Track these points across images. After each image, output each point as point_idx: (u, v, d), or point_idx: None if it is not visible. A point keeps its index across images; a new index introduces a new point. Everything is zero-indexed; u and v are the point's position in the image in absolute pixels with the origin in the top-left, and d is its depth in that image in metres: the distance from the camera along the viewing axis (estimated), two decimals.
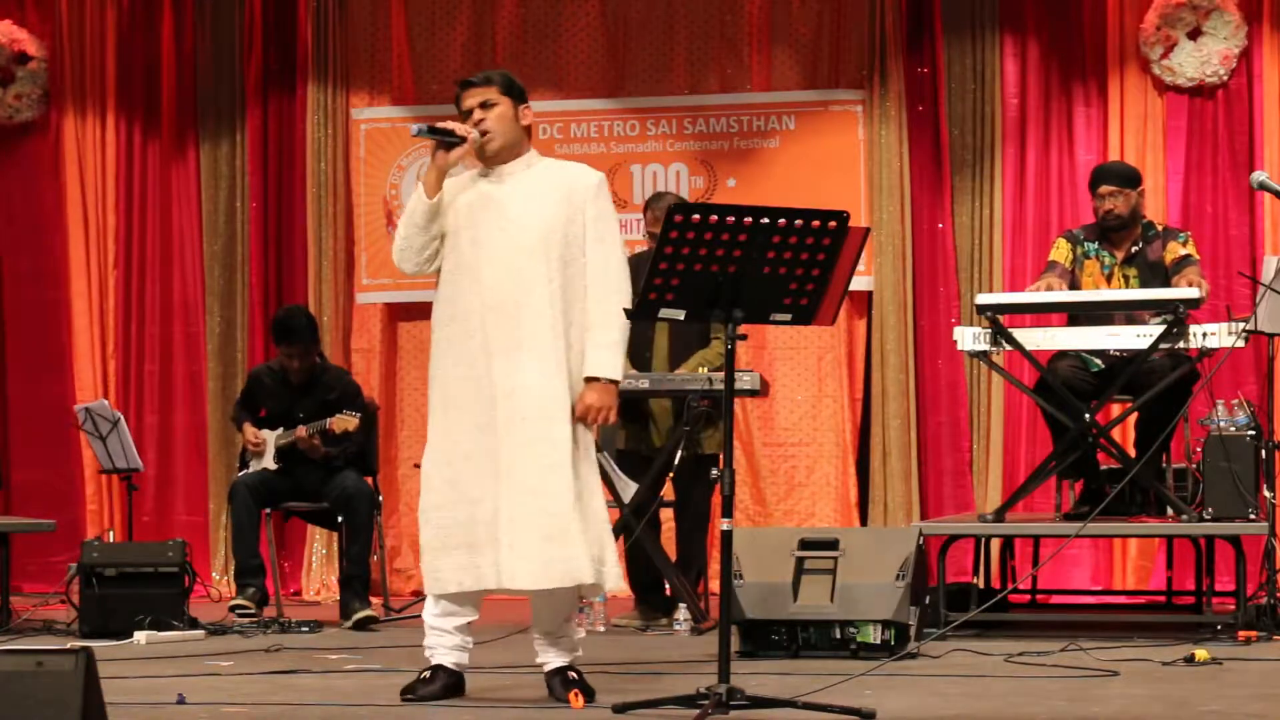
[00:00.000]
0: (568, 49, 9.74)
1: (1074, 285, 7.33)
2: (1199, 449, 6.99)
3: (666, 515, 7.76)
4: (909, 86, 9.33)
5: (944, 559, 6.86)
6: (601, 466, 7.41)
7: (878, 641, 6.19)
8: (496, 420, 5.00)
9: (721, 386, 6.09)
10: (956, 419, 9.23)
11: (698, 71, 9.63)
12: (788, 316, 4.89)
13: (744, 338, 4.92)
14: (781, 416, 9.45)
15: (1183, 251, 7.26)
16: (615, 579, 5.12)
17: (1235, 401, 6.99)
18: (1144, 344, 6.84)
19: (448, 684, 5.16)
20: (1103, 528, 7.12)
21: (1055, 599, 8.32)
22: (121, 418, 8.76)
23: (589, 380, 5.06)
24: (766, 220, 4.70)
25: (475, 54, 9.78)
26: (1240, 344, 6.85)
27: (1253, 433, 6.86)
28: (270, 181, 9.99)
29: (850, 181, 9.37)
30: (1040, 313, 7.62)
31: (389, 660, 6.23)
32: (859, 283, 9.20)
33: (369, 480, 8.25)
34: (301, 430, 7.95)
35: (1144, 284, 7.23)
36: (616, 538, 7.40)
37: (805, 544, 6.37)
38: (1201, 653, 5.91)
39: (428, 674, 5.18)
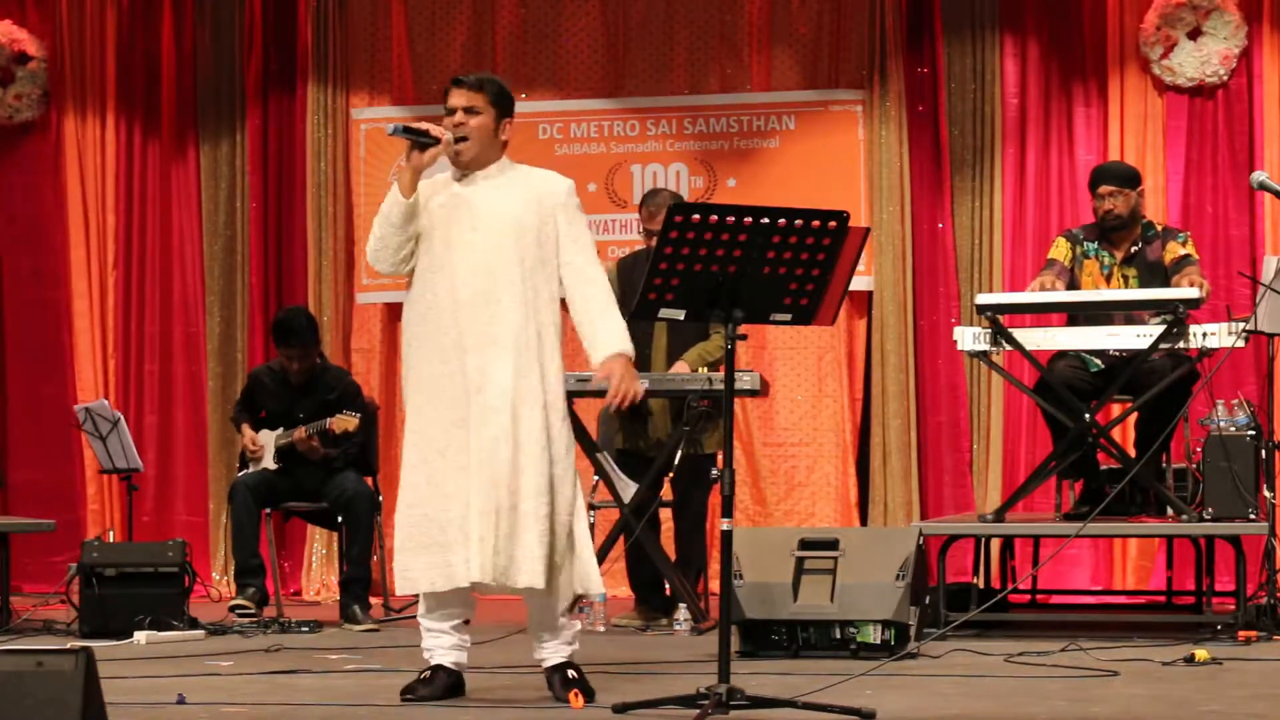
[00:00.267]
0: (568, 49, 9.74)
1: (1073, 285, 7.33)
2: (1199, 449, 6.99)
3: (666, 515, 7.76)
4: (909, 86, 9.32)
5: (944, 559, 6.86)
6: (601, 466, 7.42)
7: (878, 641, 6.19)
8: (470, 416, 5.01)
9: (721, 386, 6.09)
10: (956, 419, 9.23)
11: (698, 71, 9.63)
12: (788, 316, 4.89)
13: (744, 338, 4.92)
14: (781, 416, 9.45)
15: (1182, 251, 7.26)
16: (579, 584, 5.05)
17: (1235, 401, 6.99)
18: (1144, 344, 6.84)
19: (448, 684, 5.17)
20: (1103, 528, 7.12)
21: (1055, 599, 8.32)
22: (121, 418, 8.76)
23: (614, 357, 5.06)
24: (766, 220, 4.71)
25: (475, 54, 9.78)
26: (1240, 344, 6.85)
27: (1253, 433, 6.86)
28: (270, 181, 9.99)
29: (850, 181, 9.36)
30: (1040, 313, 7.62)
31: (389, 660, 6.23)
32: (859, 283, 9.20)
33: (369, 480, 8.25)
34: (301, 431, 7.95)
35: (1143, 284, 7.23)
36: (616, 538, 7.45)
37: (805, 544, 6.37)
38: (1201, 653, 5.91)
39: (427, 674, 5.18)
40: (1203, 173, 9.00)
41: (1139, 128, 9.06)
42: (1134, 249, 7.34)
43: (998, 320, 6.95)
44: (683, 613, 7.19)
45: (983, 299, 7.06)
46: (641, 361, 7.54)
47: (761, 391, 7.35)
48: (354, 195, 9.85)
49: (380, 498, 8.35)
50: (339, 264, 9.76)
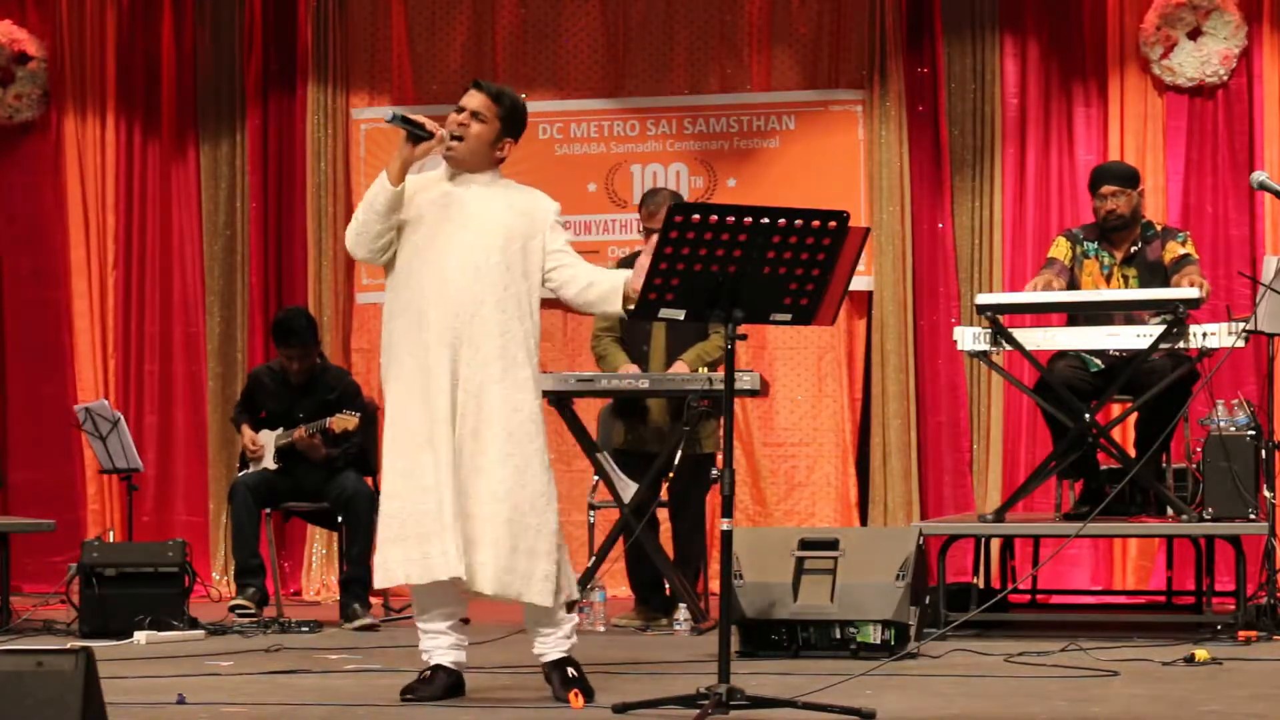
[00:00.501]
0: (568, 49, 9.74)
1: (1073, 285, 7.33)
2: (1199, 449, 6.99)
3: (665, 514, 7.75)
4: (909, 86, 9.33)
5: (944, 559, 6.86)
6: (601, 466, 7.42)
7: (878, 641, 6.19)
8: (449, 411, 5.01)
9: (721, 386, 6.09)
10: (956, 419, 9.23)
11: (698, 71, 9.63)
12: (788, 316, 4.89)
13: (744, 338, 4.92)
14: (781, 416, 9.45)
15: (1182, 251, 7.26)
16: (538, 592, 5.01)
17: (1235, 401, 6.99)
18: (1144, 344, 6.83)
19: (448, 684, 5.17)
20: (1103, 528, 7.12)
21: (1055, 599, 8.32)
22: (121, 418, 8.76)
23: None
24: (766, 220, 4.71)
25: (475, 54, 9.79)
26: (1240, 344, 6.84)
27: (1253, 433, 6.86)
28: (270, 181, 9.99)
29: (850, 181, 9.37)
30: (1040, 313, 7.62)
31: (389, 660, 6.23)
32: (859, 283, 9.20)
33: (369, 480, 8.25)
34: (301, 430, 7.95)
35: (1143, 284, 7.23)
36: (616, 538, 7.45)
37: (805, 544, 6.37)
38: (1201, 653, 5.91)
39: (427, 674, 5.18)
40: (1203, 173, 9.01)
41: (1139, 128, 9.06)
42: (1134, 249, 7.34)
43: (998, 320, 6.95)
44: (683, 613, 7.19)
45: (983, 299, 7.05)
46: (640, 360, 7.56)
47: (761, 391, 7.35)
48: (354, 195, 9.84)
49: (380, 497, 8.33)
50: (339, 264, 9.76)
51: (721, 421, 6.13)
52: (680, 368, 7.41)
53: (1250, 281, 8.01)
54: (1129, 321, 7.05)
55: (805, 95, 9.48)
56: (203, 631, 7.27)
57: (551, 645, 5.14)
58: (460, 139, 5.14)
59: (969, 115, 9.27)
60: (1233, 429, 6.85)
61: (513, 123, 5.21)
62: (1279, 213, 8.77)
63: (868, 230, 5.37)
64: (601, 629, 7.28)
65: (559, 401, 7.42)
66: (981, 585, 7.57)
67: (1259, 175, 6.38)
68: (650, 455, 7.38)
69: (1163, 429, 7.02)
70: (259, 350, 9.73)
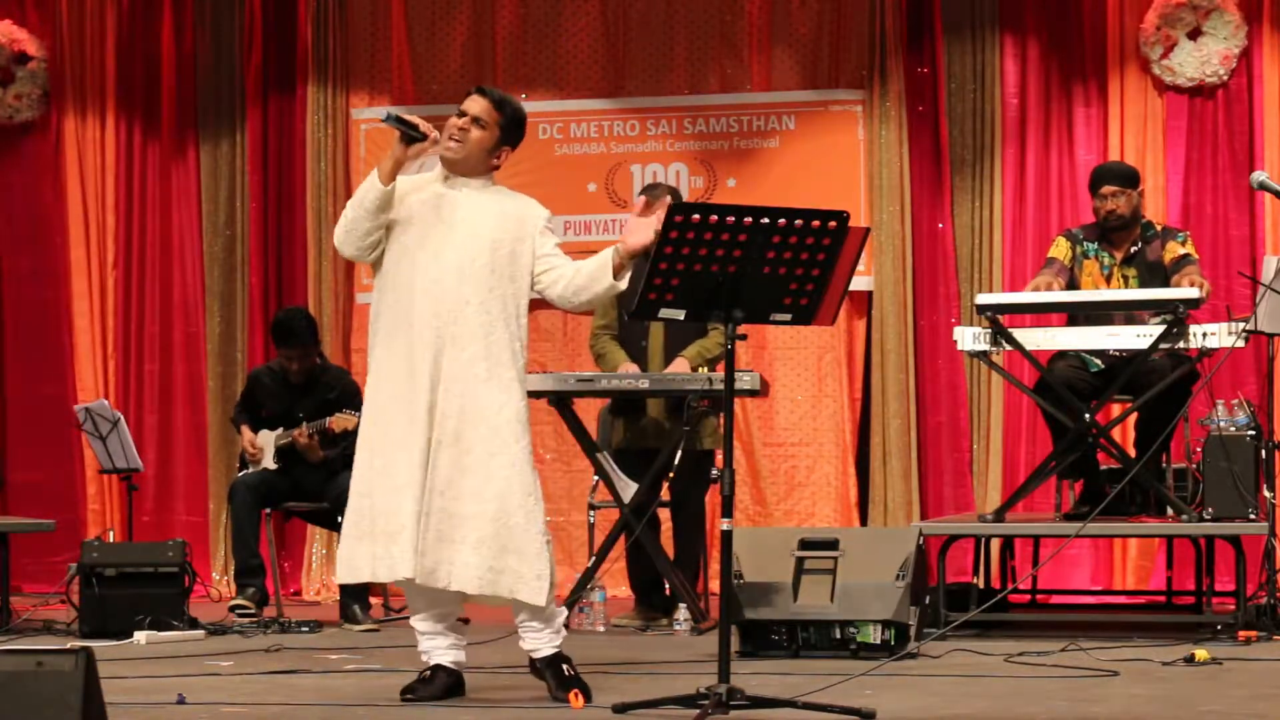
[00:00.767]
0: (568, 49, 9.74)
1: (1073, 285, 7.33)
2: (1199, 449, 6.99)
3: (666, 514, 7.75)
4: (909, 86, 9.33)
5: (944, 559, 6.86)
6: (601, 466, 7.42)
7: (878, 641, 6.19)
8: (427, 413, 5.02)
9: (721, 386, 6.09)
10: (956, 419, 9.23)
11: (698, 71, 9.63)
12: (788, 316, 4.89)
13: (744, 338, 4.92)
14: (781, 416, 9.45)
15: (1182, 251, 7.26)
16: (531, 591, 5.00)
17: (1235, 401, 6.99)
18: (1144, 344, 6.83)
19: (448, 684, 5.17)
20: (1103, 528, 7.12)
21: (1055, 599, 8.32)
22: (121, 418, 8.76)
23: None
24: (766, 220, 4.71)
25: (475, 54, 9.79)
26: (1240, 344, 6.85)
27: (1253, 433, 6.86)
28: (270, 181, 9.99)
29: (850, 181, 9.37)
30: (1040, 313, 7.62)
31: (389, 660, 6.23)
32: (859, 283, 9.20)
33: None
34: (301, 430, 7.95)
35: (1143, 284, 7.23)
36: (616, 538, 7.45)
37: (805, 544, 6.37)
38: (1201, 653, 5.91)
39: (427, 674, 5.19)
40: (1203, 173, 9.01)
41: (1139, 128, 9.06)
42: (1134, 249, 7.34)
43: (998, 320, 6.95)
44: (683, 613, 7.19)
45: (983, 299, 7.05)
46: (638, 358, 7.56)
47: (761, 391, 7.35)
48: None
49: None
50: (339, 264, 9.76)
51: (721, 418, 6.13)
52: (680, 365, 7.41)
53: (1250, 281, 8.01)
54: (1129, 321, 7.05)
55: (805, 95, 9.48)
56: (203, 631, 7.27)
57: (544, 641, 5.14)
58: (457, 141, 5.15)
59: (969, 115, 9.27)
60: (1233, 429, 6.85)
61: (512, 131, 5.22)
62: (1279, 213, 8.77)
63: (868, 230, 5.37)
64: (601, 629, 7.28)
65: (559, 401, 7.42)
66: (981, 585, 7.57)
67: (1259, 175, 6.38)
68: (650, 453, 7.38)
69: (1163, 429, 7.02)
70: (259, 350, 9.73)
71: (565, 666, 5.12)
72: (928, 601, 6.56)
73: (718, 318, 4.82)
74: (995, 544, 7.83)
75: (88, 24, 10.11)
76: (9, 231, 10.18)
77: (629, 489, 7.32)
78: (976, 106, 9.27)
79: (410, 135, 5.10)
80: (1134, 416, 7.30)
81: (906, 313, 9.25)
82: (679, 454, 7.11)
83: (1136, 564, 8.88)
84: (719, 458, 7.40)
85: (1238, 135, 8.97)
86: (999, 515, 7.12)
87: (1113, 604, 8.43)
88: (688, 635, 7.09)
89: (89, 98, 10.09)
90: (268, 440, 8.13)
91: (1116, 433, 7.69)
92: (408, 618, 5.32)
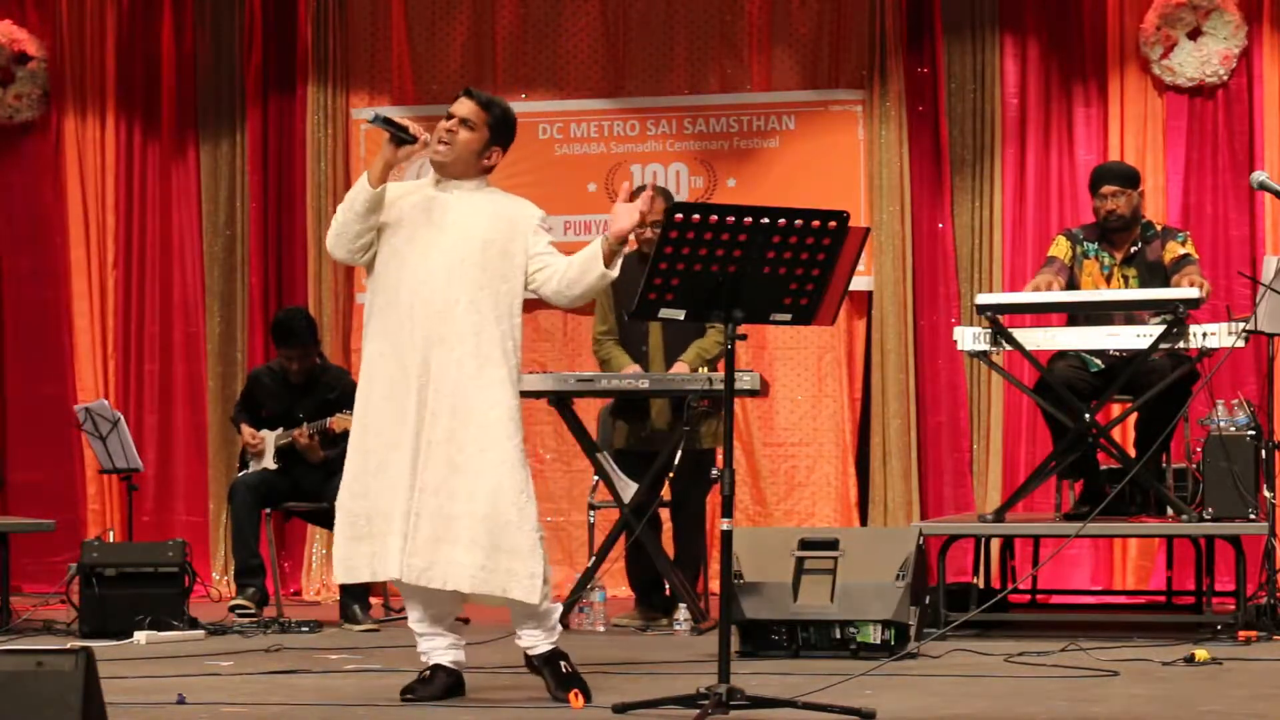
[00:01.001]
0: (568, 49, 9.74)
1: (1073, 285, 7.33)
2: (1199, 449, 6.99)
3: (666, 514, 7.75)
4: (909, 86, 9.32)
5: (944, 559, 6.86)
6: (601, 466, 7.42)
7: (878, 641, 6.19)
8: (416, 413, 5.04)
9: (721, 386, 6.09)
10: (956, 419, 9.23)
11: (698, 71, 9.63)
12: (788, 316, 4.89)
13: (744, 338, 4.92)
14: (781, 416, 9.45)
15: (1182, 251, 7.26)
16: (525, 590, 4.99)
17: (1235, 401, 6.99)
18: (1144, 344, 6.83)
19: (448, 684, 5.17)
20: (1103, 528, 7.12)
21: (1055, 599, 8.32)
22: (121, 418, 8.76)
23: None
24: (766, 220, 4.71)
25: (475, 54, 9.79)
26: (1240, 344, 6.84)
27: (1253, 433, 6.86)
28: (270, 181, 9.99)
29: (850, 181, 9.37)
30: (1040, 313, 7.62)
31: (389, 660, 6.23)
32: (859, 283, 9.20)
33: None
34: (301, 430, 7.95)
35: (1143, 284, 7.23)
36: (616, 538, 7.45)
37: (805, 544, 6.37)
38: (1201, 653, 5.91)
39: (427, 674, 5.19)
40: (1203, 173, 9.00)
41: (1139, 128, 9.06)
42: (1134, 249, 7.34)
43: (998, 320, 6.95)
44: (683, 613, 7.19)
45: (983, 299, 7.06)
46: (639, 360, 7.56)
47: (761, 391, 7.35)
48: None
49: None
50: (339, 264, 9.75)
51: (722, 418, 6.13)
52: (680, 369, 7.41)
53: (1250, 281, 8.01)
54: (1129, 321, 7.05)
55: (805, 95, 9.48)
56: (203, 631, 7.27)
57: (541, 639, 5.15)
58: (446, 144, 5.15)
59: (969, 115, 9.27)
60: (1233, 429, 6.85)
61: (501, 131, 5.22)
62: (1279, 213, 8.77)
63: (868, 230, 5.37)
64: (601, 629, 7.28)
65: (559, 401, 7.42)
66: (981, 585, 7.57)
67: (1259, 175, 6.38)
68: (651, 455, 7.38)
69: (1163, 429, 7.02)
70: (259, 350, 9.73)
71: (563, 664, 5.12)
72: (928, 601, 6.56)
73: (718, 318, 4.82)
74: (995, 544, 7.83)
75: (88, 24, 10.11)
76: (9, 231, 10.18)
77: (629, 489, 7.32)
78: (976, 106, 9.27)
79: (400, 137, 5.10)
80: (1134, 416, 7.30)
81: (906, 313, 9.25)
82: (679, 454, 7.11)
83: (1136, 564, 8.88)
84: (719, 457, 7.39)
85: (1238, 135, 8.97)
86: (999, 515, 7.12)
87: (1113, 604, 8.43)
88: (688, 635, 7.09)
89: (89, 98, 10.09)
90: (268, 440, 8.13)
91: (1116, 433, 7.69)
92: (407, 618, 5.32)
